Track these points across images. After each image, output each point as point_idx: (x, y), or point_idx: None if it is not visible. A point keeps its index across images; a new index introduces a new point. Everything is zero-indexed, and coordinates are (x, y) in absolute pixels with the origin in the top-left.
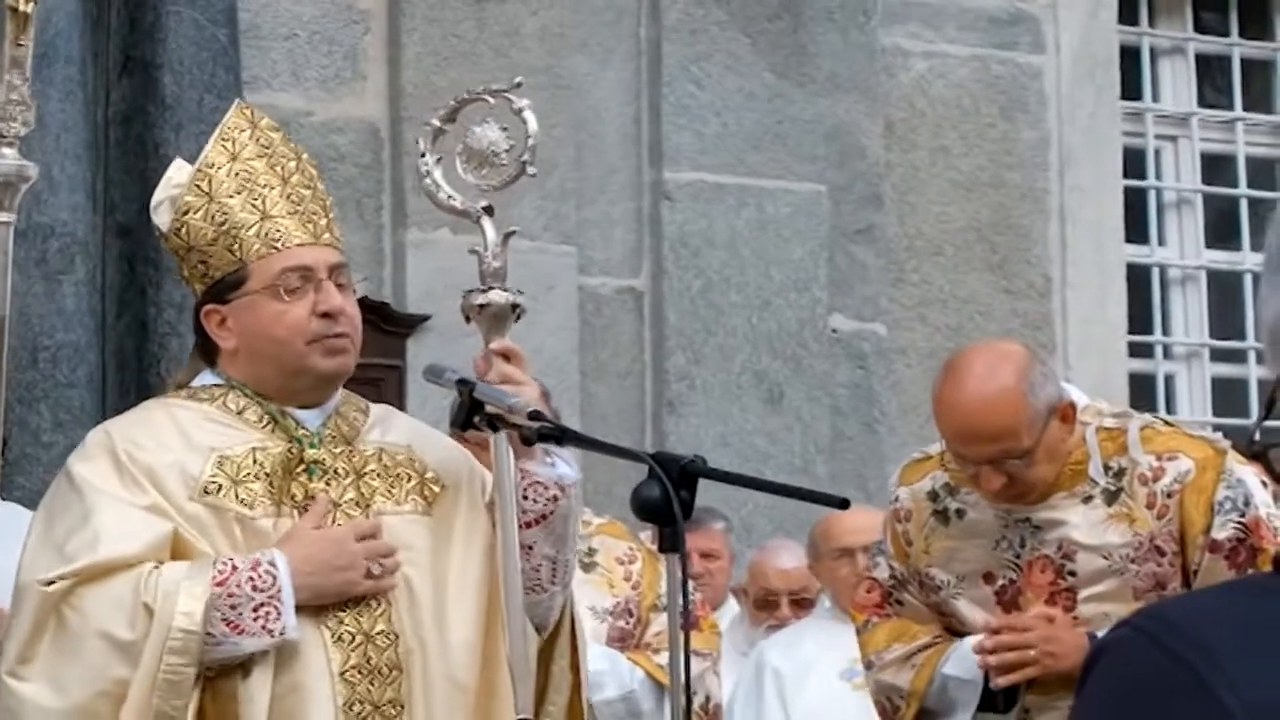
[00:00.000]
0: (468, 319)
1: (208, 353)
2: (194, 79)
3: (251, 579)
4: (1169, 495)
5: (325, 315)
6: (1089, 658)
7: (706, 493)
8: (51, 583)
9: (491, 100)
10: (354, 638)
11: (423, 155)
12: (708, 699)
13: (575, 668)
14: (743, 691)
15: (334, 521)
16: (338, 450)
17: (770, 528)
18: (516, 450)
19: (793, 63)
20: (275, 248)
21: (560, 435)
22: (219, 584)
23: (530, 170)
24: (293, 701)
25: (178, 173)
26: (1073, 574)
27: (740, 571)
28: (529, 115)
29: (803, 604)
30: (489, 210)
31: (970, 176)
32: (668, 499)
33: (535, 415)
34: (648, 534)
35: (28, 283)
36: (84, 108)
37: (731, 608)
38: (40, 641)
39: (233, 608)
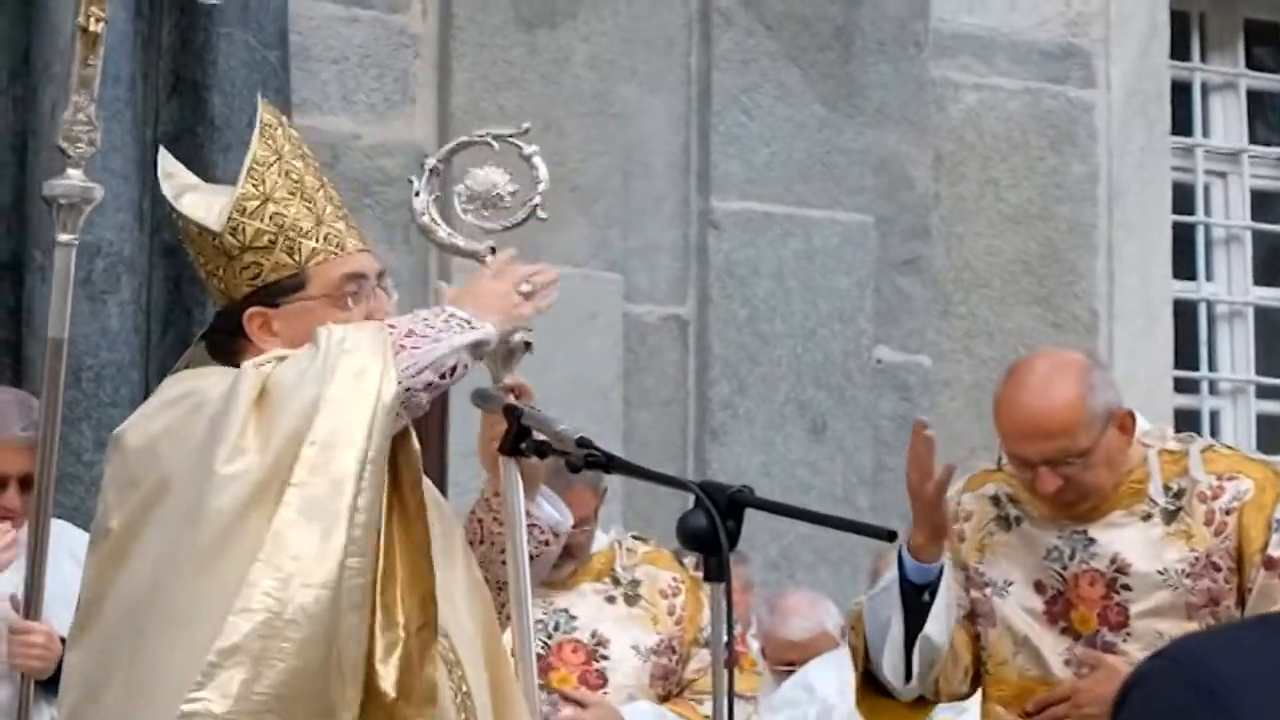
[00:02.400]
0: (478, 357)
1: (225, 352)
2: (244, 100)
3: (425, 317)
4: (1228, 513)
5: None
6: (1122, 689)
7: (748, 523)
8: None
9: (496, 145)
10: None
11: (416, 194)
12: None
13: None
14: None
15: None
16: None
17: (812, 558)
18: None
19: (843, 93)
20: (334, 253)
21: (608, 463)
22: (399, 328)
23: (541, 214)
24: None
25: (168, 163)
26: (1126, 588)
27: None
28: (538, 161)
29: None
30: (494, 250)
31: (1019, 210)
32: (714, 528)
33: (583, 442)
34: (690, 560)
35: (72, 302)
36: (133, 127)
37: (755, 642)
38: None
39: (411, 334)
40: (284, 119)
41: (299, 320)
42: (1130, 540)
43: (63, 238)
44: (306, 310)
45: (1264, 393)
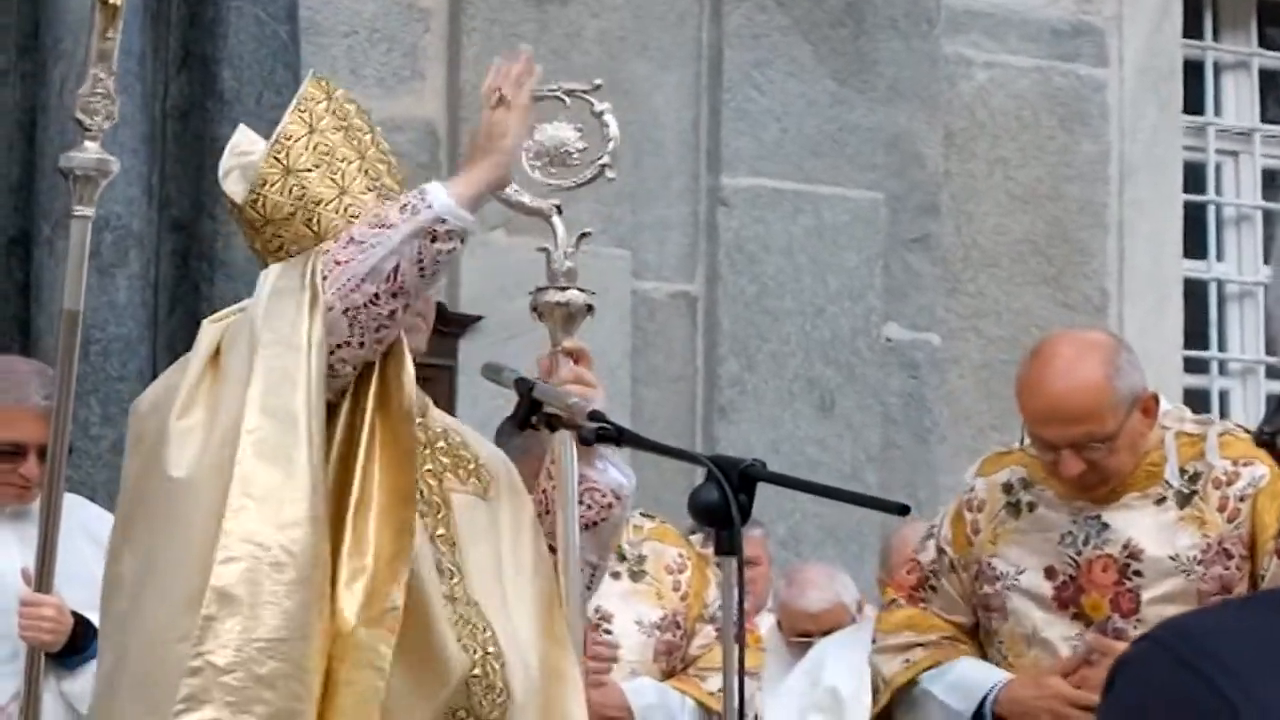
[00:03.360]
0: (540, 317)
1: None
2: (253, 75)
3: (399, 204)
4: (1242, 499)
5: None
6: (1111, 671)
7: (756, 500)
8: None
9: (567, 101)
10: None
11: None
12: (756, 717)
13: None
14: (798, 705)
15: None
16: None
17: (820, 535)
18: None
19: (854, 70)
20: (350, 222)
21: (619, 436)
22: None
23: (610, 174)
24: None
25: (244, 139)
26: (1138, 574)
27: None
28: (610, 118)
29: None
30: (560, 209)
31: (1028, 188)
32: (726, 502)
33: (594, 415)
34: (697, 537)
35: None
36: (142, 101)
37: (770, 617)
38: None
39: (348, 245)
40: (335, 91)
41: None
42: (1143, 525)
43: (79, 210)
44: None
45: (1274, 373)
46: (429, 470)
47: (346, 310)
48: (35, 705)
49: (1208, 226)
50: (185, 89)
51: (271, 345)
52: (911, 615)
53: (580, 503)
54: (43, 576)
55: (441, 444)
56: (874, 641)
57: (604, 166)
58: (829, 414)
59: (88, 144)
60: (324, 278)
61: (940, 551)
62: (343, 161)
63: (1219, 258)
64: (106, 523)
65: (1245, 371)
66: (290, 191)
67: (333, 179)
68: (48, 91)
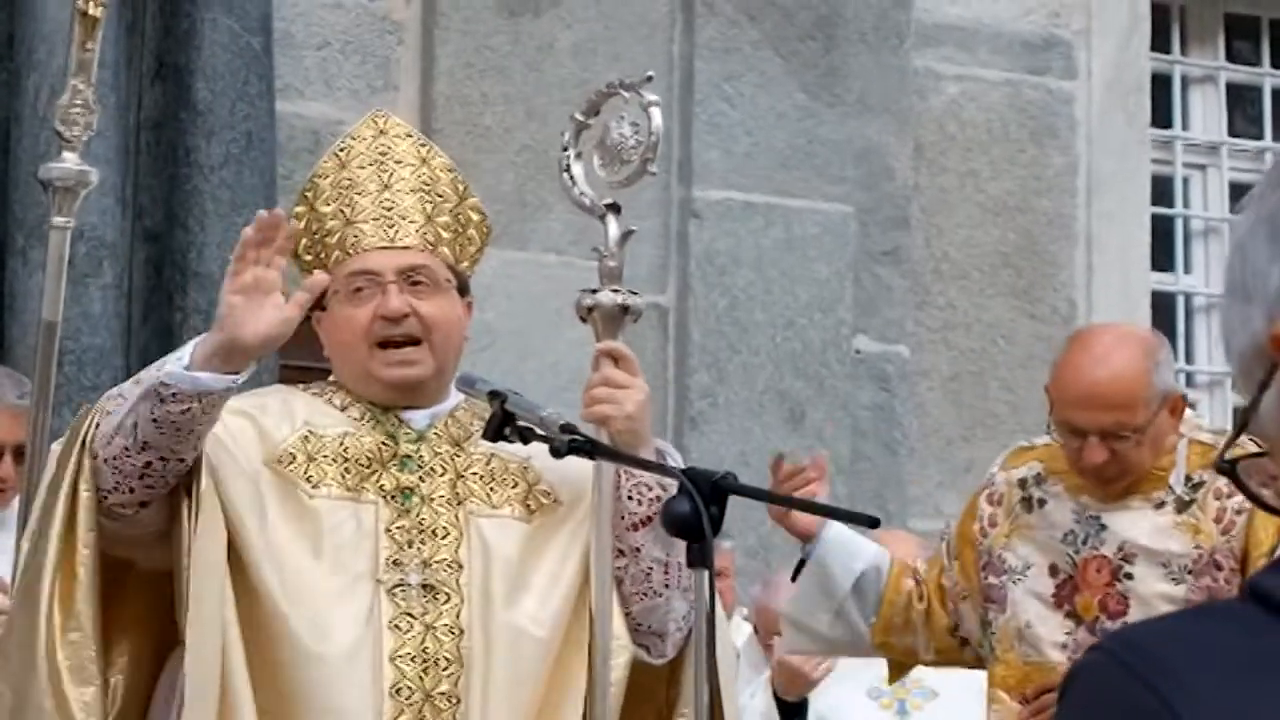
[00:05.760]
0: (583, 319)
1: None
2: (226, 86)
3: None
4: (1239, 513)
5: (385, 319)
6: (1063, 682)
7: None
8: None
9: (626, 95)
10: (412, 626)
11: (564, 149)
12: None
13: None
14: (761, 711)
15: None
16: (441, 449)
17: (789, 547)
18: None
19: (824, 83)
20: (349, 253)
21: (591, 449)
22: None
23: (651, 169)
24: (321, 673)
25: None
26: (1129, 576)
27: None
28: (655, 112)
29: None
30: (614, 208)
31: (998, 201)
32: (698, 515)
33: (567, 428)
34: None
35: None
36: (115, 112)
37: (739, 625)
38: None
39: (112, 398)
40: (394, 129)
41: (330, 319)
42: (1140, 527)
43: (57, 221)
44: (332, 308)
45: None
46: (443, 496)
47: (107, 460)
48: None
49: (1175, 239)
50: (159, 100)
51: (43, 486)
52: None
53: (630, 499)
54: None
55: (477, 469)
56: None
57: (646, 161)
58: (799, 426)
59: (66, 155)
60: (96, 425)
61: (948, 566)
62: (358, 194)
63: (1186, 270)
64: None
65: (1212, 384)
66: (310, 227)
67: (343, 211)
68: (22, 102)
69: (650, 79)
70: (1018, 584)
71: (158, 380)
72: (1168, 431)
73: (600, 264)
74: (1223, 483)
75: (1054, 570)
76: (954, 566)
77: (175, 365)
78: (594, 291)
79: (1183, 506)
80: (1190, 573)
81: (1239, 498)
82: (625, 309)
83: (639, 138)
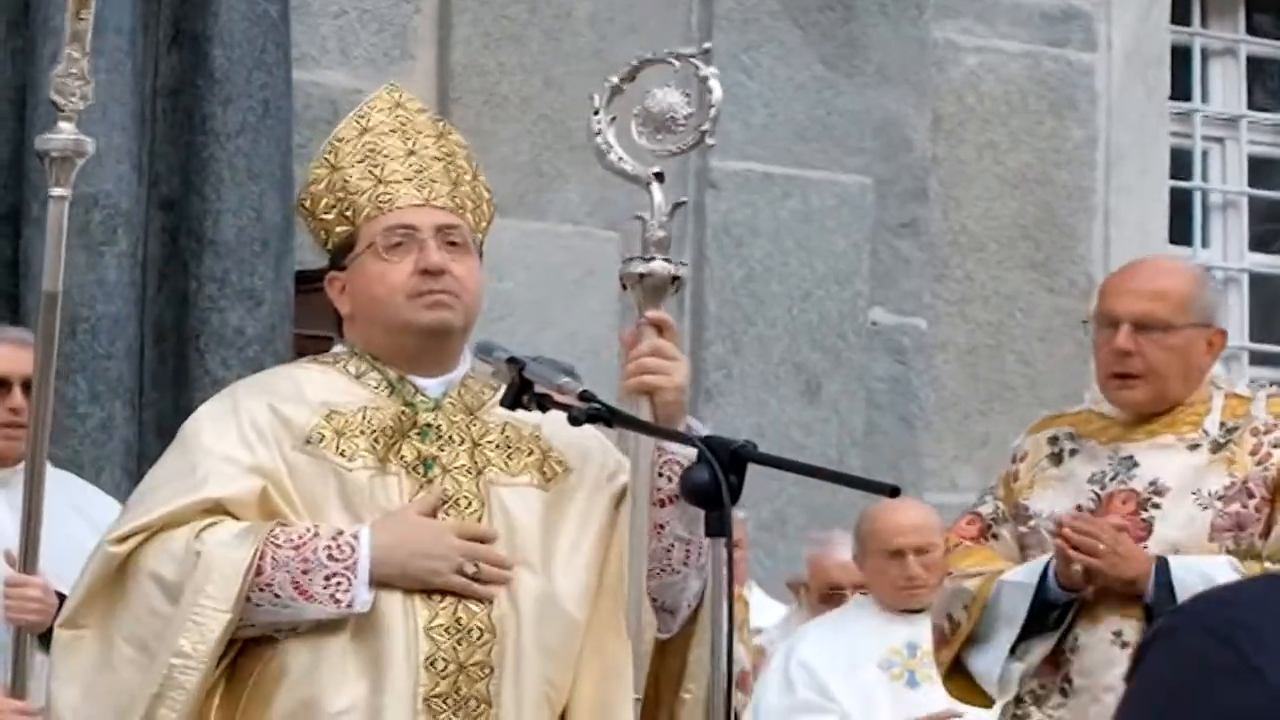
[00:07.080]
0: (624, 287)
1: (339, 323)
2: (243, 54)
3: (330, 548)
4: (1276, 445)
5: (425, 272)
6: (1145, 639)
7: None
8: (125, 538)
9: (676, 64)
10: (444, 597)
11: (596, 113)
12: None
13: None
14: (775, 683)
15: (443, 504)
16: (456, 418)
17: (804, 518)
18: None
19: (843, 54)
20: (382, 209)
21: (610, 417)
22: (297, 548)
23: (710, 140)
24: (369, 654)
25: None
26: (1156, 506)
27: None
28: (714, 83)
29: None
30: (659, 176)
31: (1017, 173)
32: (717, 483)
33: (585, 395)
34: None
35: (69, 253)
36: (132, 79)
37: (762, 600)
38: (97, 597)
39: (305, 572)
40: (409, 102)
41: (357, 277)
42: (1172, 466)
43: (56, 191)
44: (359, 265)
45: (1258, 359)
46: (463, 465)
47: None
48: (23, 686)
49: (1194, 212)
50: (175, 67)
51: (174, 623)
52: (983, 555)
53: (660, 474)
54: (27, 556)
55: (492, 437)
56: (948, 576)
57: (704, 133)
58: (815, 398)
59: (62, 124)
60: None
61: (996, 505)
62: (386, 156)
63: (1204, 244)
64: (96, 498)
65: (1229, 358)
66: (333, 187)
67: (372, 171)
68: (37, 69)
69: (707, 50)
70: (1044, 527)
71: (330, 615)
72: (1199, 362)
73: (646, 233)
74: (1260, 421)
75: (1079, 509)
76: (1007, 529)
77: (358, 600)
78: (646, 260)
79: (1218, 448)
80: (1220, 499)
81: (1276, 434)
82: (675, 279)
83: (691, 108)
